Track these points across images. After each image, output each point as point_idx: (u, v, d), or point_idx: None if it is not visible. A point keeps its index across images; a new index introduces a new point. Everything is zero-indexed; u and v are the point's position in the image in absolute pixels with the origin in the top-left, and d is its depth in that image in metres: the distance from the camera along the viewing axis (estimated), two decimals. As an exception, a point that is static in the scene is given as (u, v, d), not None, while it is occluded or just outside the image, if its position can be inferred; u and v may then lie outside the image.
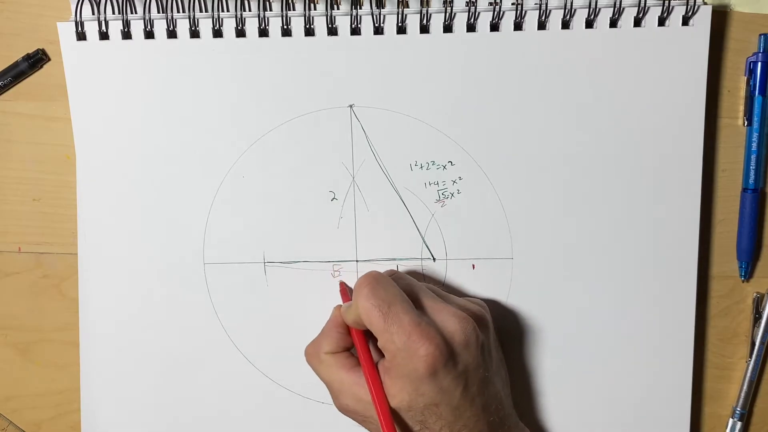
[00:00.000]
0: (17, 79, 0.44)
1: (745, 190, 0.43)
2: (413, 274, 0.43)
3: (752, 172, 0.43)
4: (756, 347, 0.44)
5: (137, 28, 0.42)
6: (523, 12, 0.41)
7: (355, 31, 0.41)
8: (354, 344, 0.39)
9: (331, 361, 0.38)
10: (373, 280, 0.36)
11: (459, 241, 0.43)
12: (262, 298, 0.44)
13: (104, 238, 0.43)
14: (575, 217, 0.42)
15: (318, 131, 0.42)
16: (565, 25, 0.41)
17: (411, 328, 0.35)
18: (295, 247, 0.43)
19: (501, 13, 0.41)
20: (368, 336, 0.38)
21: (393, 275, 0.39)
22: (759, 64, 0.42)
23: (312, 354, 0.39)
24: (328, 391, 0.39)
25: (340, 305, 0.41)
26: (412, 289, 0.38)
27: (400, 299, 0.36)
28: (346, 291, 0.43)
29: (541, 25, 0.41)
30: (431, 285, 0.40)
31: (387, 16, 0.41)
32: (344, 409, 0.38)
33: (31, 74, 0.44)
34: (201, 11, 0.42)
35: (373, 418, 0.36)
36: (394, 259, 0.43)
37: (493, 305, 0.43)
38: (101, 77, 0.42)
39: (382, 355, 0.37)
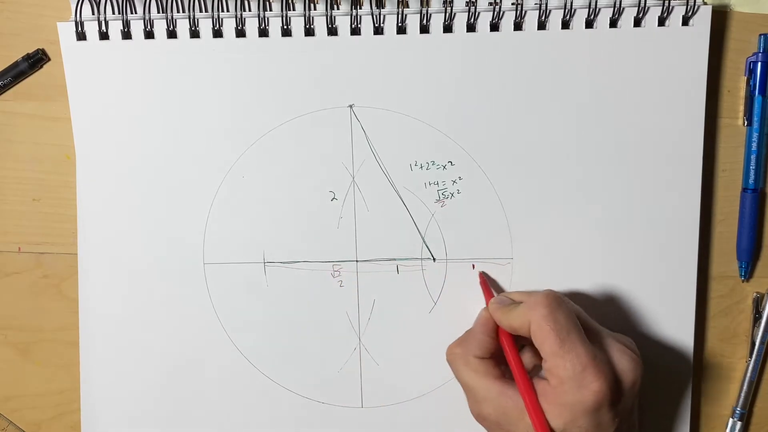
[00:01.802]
0: (17, 79, 0.44)
1: (745, 190, 0.43)
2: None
3: (752, 172, 0.43)
4: (756, 347, 0.44)
5: (137, 28, 0.42)
6: (523, 12, 0.41)
7: (355, 31, 0.41)
8: (506, 353, 0.38)
9: (479, 367, 0.38)
10: (554, 301, 0.36)
11: (459, 241, 0.43)
12: (262, 298, 0.44)
13: (104, 238, 0.43)
14: (575, 217, 0.42)
15: (318, 131, 0.42)
16: (565, 25, 0.41)
17: (587, 361, 0.34)
18: (295, 247, 0.43)
19: (501, 13, 0.41)
20: (517, 343, 0.38)
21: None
22: (759, 64, 0.42)
23: (460, 356, 0.38)
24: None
25: (486, 308, 0.40)
26: (582, 318, 0.37)
27: (577, 328, 0.36)
28: (487, 284, 0.42)
29: (541, 25, 0.41)
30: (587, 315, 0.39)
31: (387, 16, 0.41)
32: (482, 417, 0.37)
33: (31, 74, 0.44)
34: (201, 11, 0.42)
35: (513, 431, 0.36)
36: (394, 259, 0.43)
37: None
38: (101, 77, 0.42)
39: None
